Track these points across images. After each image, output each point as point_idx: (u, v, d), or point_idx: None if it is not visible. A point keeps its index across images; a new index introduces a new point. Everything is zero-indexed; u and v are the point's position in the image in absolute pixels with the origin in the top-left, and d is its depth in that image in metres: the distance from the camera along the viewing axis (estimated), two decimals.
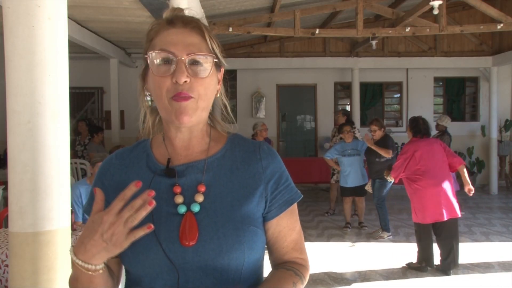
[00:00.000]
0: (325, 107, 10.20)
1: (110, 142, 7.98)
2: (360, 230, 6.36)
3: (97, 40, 7.05)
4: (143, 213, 0.84)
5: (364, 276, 4.51)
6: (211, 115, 1.08)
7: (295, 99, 10.61)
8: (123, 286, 1.04)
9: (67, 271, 1.81)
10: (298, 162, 8.99)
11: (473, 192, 4.57)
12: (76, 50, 7.73)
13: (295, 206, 1.07)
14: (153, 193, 0.84)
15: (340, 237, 6.06)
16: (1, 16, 1.79)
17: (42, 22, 1.73)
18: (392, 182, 5.13)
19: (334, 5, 6.71)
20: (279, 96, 10.34)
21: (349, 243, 5.78)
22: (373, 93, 10.47)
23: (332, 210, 7.46)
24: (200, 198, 0.96)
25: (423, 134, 4.67)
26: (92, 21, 6.14)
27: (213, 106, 1.05)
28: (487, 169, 9.79)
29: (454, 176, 5.28)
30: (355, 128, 6.99)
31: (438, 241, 4.56)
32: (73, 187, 3.46)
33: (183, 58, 0.92)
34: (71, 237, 1.95)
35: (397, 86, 10.47)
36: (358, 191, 6.30)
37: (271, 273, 1.03)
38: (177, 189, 0.97)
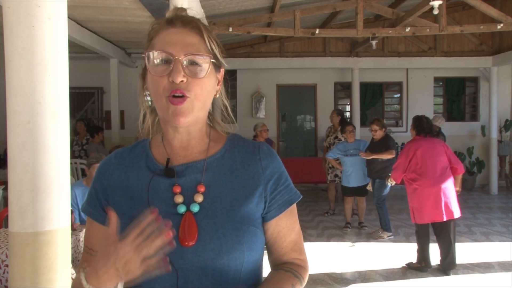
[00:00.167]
0: (325, 107, 10.19)
1: (110, 142, 7.98)
2: (360, 230, 6.36)
3: (97, 40, 7.05)
4: (158, 243, 0.82)
5: (364, 276, 4.51)
6: (211, 116, 1.08)
7: (295, 99, 10.61)
8: (122, 287, 1.04)
9: (67, 271, 1.81)
10: (298, 162, 8.99)
11: (459, 193, 4.63)
12: (76, 50, 7.73)
13: (294, 206, 1.06)
14: (156, 211, 0.84)
15: (340, 237, 6.05)
16: (1, 16, 1.79)
17: (42, 22, 1.73)
18: (393, 184, 5.11)
19: (334, 5, 6.71)
20: (279, 96, 10.34)
21: (349, 243, 5.78)
22: (373, 93, 10.46)
23: (332, 210, 7.46)
24: (199, 198, 0.96)
25: (426, 133, 4.67)
26: (92, 21, 6.14)
27: (213, 107, 1.06)
28: (487, 169, 9.79)
29: None
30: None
31: (438, 241, 4.57)
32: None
33: (180, 58, 0.92)
34: (71, 237, 1.95)
35: (397, 86, 10.47)
36: (360, 191, 6.30)
37: (269, 275, 1.02)
38: (177, 189, 0.97)
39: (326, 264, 4.89)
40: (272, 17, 6.59)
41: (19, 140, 1.73)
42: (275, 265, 1.06)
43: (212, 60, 0.97)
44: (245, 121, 9.47)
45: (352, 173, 6.25)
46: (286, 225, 1.04)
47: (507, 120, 9.90)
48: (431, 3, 5.83)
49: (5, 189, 5.08)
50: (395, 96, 10.69)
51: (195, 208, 0.95)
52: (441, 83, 10.48)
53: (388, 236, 5.91)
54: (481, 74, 10.11)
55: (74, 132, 7.42)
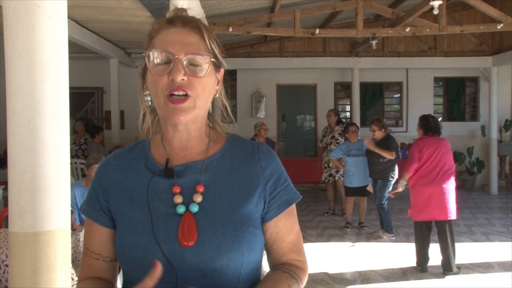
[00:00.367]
0: (325, 107, 10.17)
1: (110, 142, 7.98)
2: (360, 230, 6.36)
3: (97, 40, 7.05)
4: None
5: (364, 276, 4.51)
6: (210, 116, 1.08)
7: (295, 99, 10.61)
8: (121, 287, 1.04)
9: (67, 271, 1.81)
10: (298, 162, 8.98)
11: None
12: (76, 50, 7.73)
13: (293, 207, 1.06)
14: (159, 265, 0.86)
15: (340, 237, 6.06)
16: (1, 16, 1.79)
17: (42, 22, 1.72)
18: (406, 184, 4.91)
19: (334, 5, 6.71)
20: (279, 96, 10.34)
21: (349, 243, 5.78)
22: (373, 93, 10.46)
23: (331, 210, 7.47)
24: (198, 198, 0.96)
25: (434, 132, 4.67)
26: (92, 21, 6.13)
27: (212, 107, 1.06)
28: (487, 169, 9.79)
29: None
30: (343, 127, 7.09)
31: (438, 241, 4.57)
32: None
33: (180, 57, 0.93)
34: (71, 237, 1.95)
35: (397, 86, 10.47)
36: (362, 191, 6.31)
37: (267, 275, 1.02)
38: (177, 189, 0.97)
39: (326, 264, 4.89)
40: (272, 17, 6.59)
41: (19, 140, 1.72)
42: (274, 265, 1.06)
43: (212, 59, 0.97)
44: (245, 121, 9.47)
45: (355, 173, 6.26)
46: (285, 225, 1.04)
47: (507, 120, 9.90)
48: (431, 3, 5.83)
49: (5, 189, 5.08)
50: (395, 96, 10.68)
51: (194, 208, 0.95)
52: (441, 83, 10.48)
53: (388, 237, 5.91)
54: (481, 74, 10.10)
55: (72, 131, 7.40)
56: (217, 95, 1.05)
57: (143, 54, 0.97)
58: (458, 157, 9.67)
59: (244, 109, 10.09)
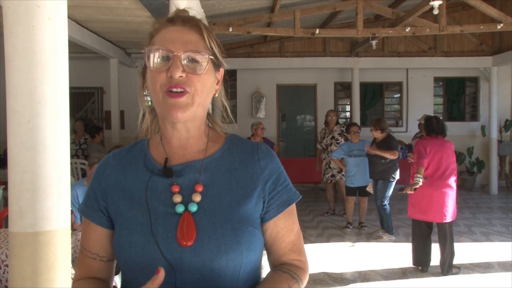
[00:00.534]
0: (325, 107, 10.17)
1: (110, 142, 7.98)
2: (360, 230, 6.36)
3: (97, 40, 7.05)
4: None
5: (364, 276, 4.51)
6: (210, 116, 1.08)
7: (295, 99, 10.61)
8: (121, 287, 1.04)
9: (67, 271, 1.81)
10: (298, 162, 8.98)
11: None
12: (76, 50, 7.73)
13: (293, 207, 1.06)
14: (162, 271, 0.86)
15: (340, 237, 6.05)
16: (1, 16, 1.79)
17: (42, 22, 1.72)
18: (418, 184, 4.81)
19: (334, 5, 6.71)
20: (279, 96, 10.34)
21: (349, 243, 5.78)
22: (373, 93, 10.46)
23: (331, 210, 7.47)
24: (197, 197, 0.96)
25: (437, 133, 4.67)
26: (92, 21, 6.13)
27: (212, 108, 1.06)
28: (487, 169, 9.79)
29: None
30: (343, 128, 7.12)
31: (438, 241, 4.57)
32: (70, 188, 3.45)
33: (179, 54, 0.93)
34: (71, 237, 1.95)
35: (397, 86, 10.47)
36: (363, 191, 6.31)
37: (267, 275, 1.02)
38: (176, 189, 0.97)
39: (326, 264, 4.89)
40: (272, 17, 6.59)
41: (19, 140, 1.72)
42: (274, 266, 1.06)
43: (210, 57, 0.97)
44: (245, 121, 9.46)
45: (356, 173, 6.27)
46: (284, 225, 1.04)
47: (507, 120, 9.90)
48: (431, 3, 5.83)
49: (5, 189, 5.08)
50: (395, 96, 10.68)
51: (193, 208, 0.95)
52: (441, 83, 10.48)
53: (388, 237, 5.91)
54: (481, 74, 10.10)
55: (72, 130, 7.39)
56: (217, 95, 1.05)
57: (142, 51, 0.98)
58: (458, 157, 9.66)
59: (244, 109, 10.09)
